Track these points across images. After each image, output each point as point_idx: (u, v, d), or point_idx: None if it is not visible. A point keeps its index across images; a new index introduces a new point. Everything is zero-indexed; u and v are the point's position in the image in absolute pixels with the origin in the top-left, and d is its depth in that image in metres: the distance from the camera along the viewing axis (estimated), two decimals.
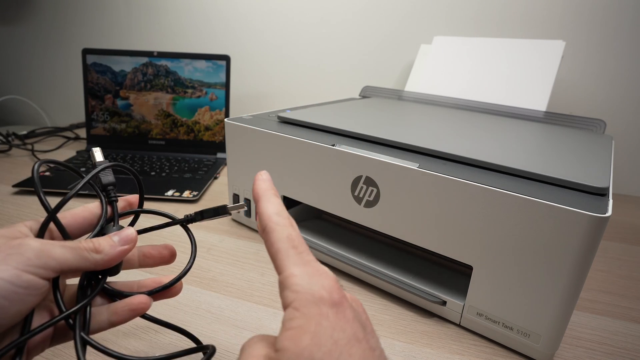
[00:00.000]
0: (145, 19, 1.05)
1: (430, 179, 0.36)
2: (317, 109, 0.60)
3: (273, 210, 0.22)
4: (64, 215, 0.26)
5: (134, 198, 0.30)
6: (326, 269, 0.20)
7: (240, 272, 0.47)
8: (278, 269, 0.20)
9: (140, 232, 0.28)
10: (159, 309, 0.39)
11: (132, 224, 0.30)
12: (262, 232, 0.21)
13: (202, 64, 0.85)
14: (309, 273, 0.19)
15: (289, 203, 0.49)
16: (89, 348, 0.23)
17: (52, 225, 0.25)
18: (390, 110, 0.61)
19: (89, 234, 0.26)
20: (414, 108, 0.64)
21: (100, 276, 0.26)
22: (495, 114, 0.63)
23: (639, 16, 0.70)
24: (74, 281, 0.26)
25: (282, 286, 0.19)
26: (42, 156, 0.84)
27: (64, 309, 0.23)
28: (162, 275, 0.29)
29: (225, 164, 0.81)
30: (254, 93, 1.03)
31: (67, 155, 0.84)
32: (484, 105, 0.67)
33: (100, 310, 0.26)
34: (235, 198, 0.56)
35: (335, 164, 0.43)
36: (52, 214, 0.24)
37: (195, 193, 0.65)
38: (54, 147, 0.90)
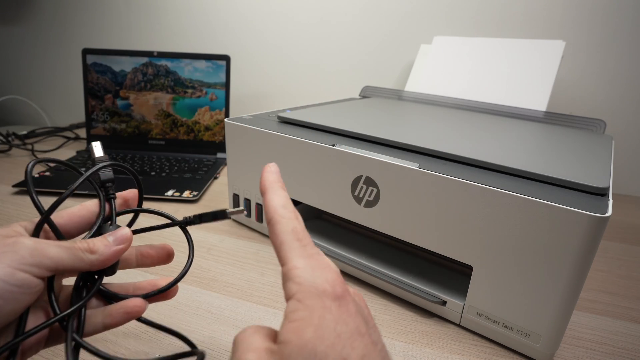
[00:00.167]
0: (145, 19, 1.05)
1: (430, 179, 0.36)
2: (317, 109, 0.60)
3: (279, 202, 0.22)
4: (61, 214, 0.26)
5: (130, 194, 0.30)
6: (330, 262, 0.20)
7: (240, 272, 0.47)
8: (282, 260, 0.20)
9: (138, 231, 0.28)
10: (159, 308, 0.39)
11: (130, 223, 0.29)
12: (268, 223, 0.21)
13: (202, 64, 0.85)
14: (313, 266, 0.19)
15: None
16: (83, 350, 0.23)
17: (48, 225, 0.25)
18: (390, 110, 0.61)
19: (86, 233, 0.26)
20: (414, 108, 0.64)
21: (96, 277, 0.25)
22: (495, 114, 0.63)
23: (639, 16, 0.70)
24: (70, 281, 0.26)
25: (285, 278, 0.19)
26: (42, 156, 0.84)
27: (57, 311, 0.23)
28: (161, 275, 0.29)
29: (225, 164, 0.81)
30: (254, 93, 1.03)
31: (67, 155, 0.84)
32: (484, 105, 0.67)
33: (95, 313, 0.25)
34: (235, 198, 0.56)
35: (335, 164, 0.43)
36: (46, 215, 0.24)
37: (195, 193, 0.66)
38: (54, 147, 0.90)
